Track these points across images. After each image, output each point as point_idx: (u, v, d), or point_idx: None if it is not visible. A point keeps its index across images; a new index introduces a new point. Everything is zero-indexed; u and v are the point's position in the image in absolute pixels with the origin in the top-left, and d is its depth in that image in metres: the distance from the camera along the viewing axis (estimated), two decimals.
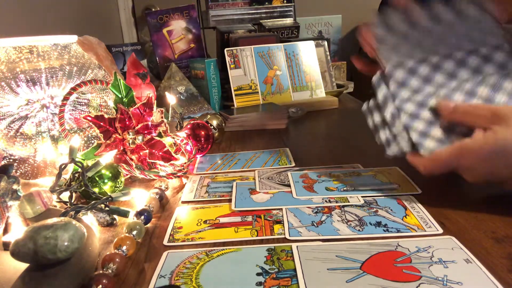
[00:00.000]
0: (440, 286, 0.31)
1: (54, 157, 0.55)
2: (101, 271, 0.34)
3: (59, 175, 0.47)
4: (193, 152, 0.64)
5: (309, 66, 1.09)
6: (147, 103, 0.59)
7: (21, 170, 0.54)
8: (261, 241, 0.40)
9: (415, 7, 0.47)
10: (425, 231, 0.39)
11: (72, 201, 0.48)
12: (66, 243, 0.32)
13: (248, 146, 0.74)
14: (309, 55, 1.10)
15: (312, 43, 1.12)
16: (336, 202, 0.47)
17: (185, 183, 0.57)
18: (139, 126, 0.58)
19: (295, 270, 0.34)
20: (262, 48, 1.06)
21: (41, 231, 0.32)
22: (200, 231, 0.42)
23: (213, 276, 0.34)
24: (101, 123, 0.55)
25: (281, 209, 0.46)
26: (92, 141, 0.59)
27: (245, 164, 0.63)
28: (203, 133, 0.69)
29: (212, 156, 0.69)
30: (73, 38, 0.60)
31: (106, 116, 0.55)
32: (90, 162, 0.51)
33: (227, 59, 1.03)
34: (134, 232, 0.40)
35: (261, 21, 1.38)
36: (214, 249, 0.38)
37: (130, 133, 0.57)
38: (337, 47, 1.97)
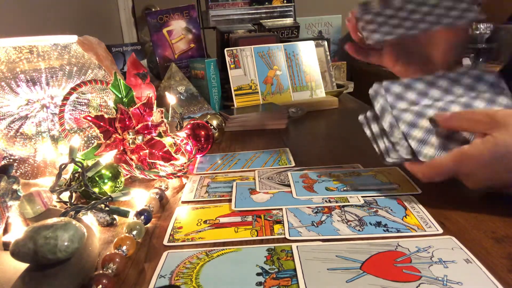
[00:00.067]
0: (440, 286, 0.31)
1: (54, 157, 0.55)
2: (101, 271, 0.34)
3: (59, 175, 0.47)
4: (193, 152, 0.64)
5: (309, 66, 1.09)
6: (147, 103, 0.59)
7: (21, 170, 0.54)
8: (261, 241, 0.40)
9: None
10: (425, 231, 0.39)
11: (72, 201, 0.48)
12: (66, 243, 0.32)
13: (248, 146, 0.74)
14: (309, 55, 1.10)
15: (312, 43, 1.12)
16: (336, 202, 0.47)
17: (185, 183, 0.57)
18: (139, 126, 0.58)
19: (295, 270, 0.34)
20: (262, 48, 1.06)
21: (41, 231, 0.32)
22: (200, 231, 0.42)
23: (213, 276, 0.34)
24: (101, 123, 0.55)
25: (281, 209, 0.46)
26: (92, 141, 0.59)
27: (245, 164, 0.63)
28: (203, 133, 0.69)
29: (212, 156, 0.69)
30: (73, 38, 0.60)
31: (106, 116, 0.55)
32: (90, 162, 0.51)
33: (227, 59, 1.03)
34: (134, 232, 0.40)
35: (261, 21, 1.38)
36: (214, 249, 0.38)
37: (130, 133, 0.58)
38: (337, 47, 1.97)
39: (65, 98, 0.55)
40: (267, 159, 0.65)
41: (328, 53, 1.21)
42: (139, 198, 0.51)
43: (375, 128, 0.49)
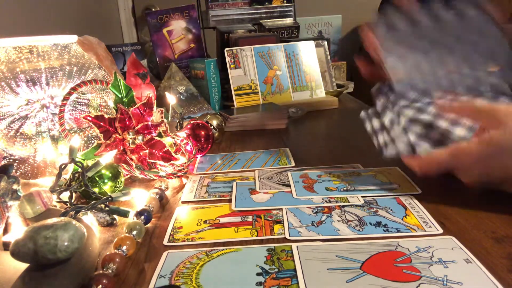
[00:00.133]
0: (440, 286, 0.31)
1: (54, 157, 0.55)
2: (101, 271, 0.34)
3: (59, 175, 0.47)
4: (193, 152, 0.64)
5: (309, 66, 1.09)
6: (147, 103, 0.59)
7: (21, 170, 0.54)
8: (261, 241, 0.40)
9: (416, 7, 0.48)
10: (425, 231, 0.39)
11: (72, 201, 0.48)
12: (66, 243, 0.32)
13: (248, 146, 0.74)
14: (309, 55, 1.10)
15: (312, 43, 1.12)
16: (336, 202, 0.47)
17: (185, 183, 0.57)
18: (139, 126, 0.58)
19: (295, 270, 0.34)
20: (262, 48, 1.06)
21: (41, 231, 0.32)
22: (200, 231, 0.42)
23: (213, 276, 0.34)
24: (101, 123, 0.55)
25: (281, 209, 0.46)
26: (92, 141, 0.59)
27: (245, 164, 0.63)
28: (203, 133, 0.69)
29: (212, 156, 0.69)
30: (73, 38, 0.60)
31: (106, 116, 0.55)
32: (90, 162, 0.51)
33: (227, 59, 1.03)
34: (134, 232, 0.40)
35: (261, 21, 1.38)
36: (214, 249, 0.38)
37: (130, 133, 0.57)
38: (337, 47, 1.97)
39: (65, 98, 0.55)
40: (267, 159, 0.65)
41: (328, 53, 1.21)
42: (139, 198, 0.51)
43: (375, 123, 0.50)
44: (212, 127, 0.72)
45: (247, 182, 0.55)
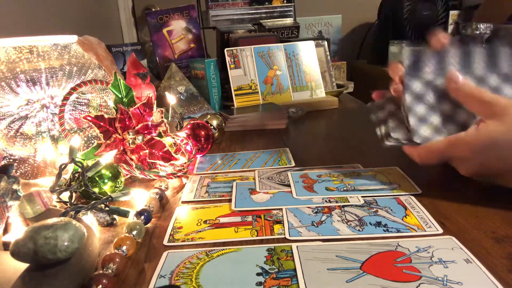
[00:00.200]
0: (440, 286, 0.31)
1: (54, 157, 0.55)
2: (101, 271, 0.34)
3: (59, 175, 0.47)
4: (193, 152, 0.64)
5: (309, 66, 1.09)
6: (147, 103, 0.59)
7: (21, 170, 0.54)
8: (261, 241, 0.40)
9: (452, 51, 0.46)
10: (425, 231, 0.39)
11: (72, 201, 0.48)
12: (66, 243, 0.32)
13: (248, 146, 0.74)
14: (309, 55, 1.10)
15: (312, 43, 1.12)
16: (336, 202, 0.47)
17: (185, 183, 0.57)
18: (139, 126, 0.58)
19: (295, 270, 0.34)
20: (262, 48, 1.06)
21: (41, 231, 0.32)
22: (200, 231, 0.42)
23: (213, 276, 0.34)
24: (101, 123, 0.55)
25: (281, 209, 0.46)
26: (92, 141, 0.59)
27: (245, 164, 0.63)
28: (203, 133, 0.69)
29: (212, 156, 0.69)
30: (73, 38, 0.60)
31: (106, 116, 0.55)
32: (90, 162, 0.51)
33: (227, 59, 1.03)
34: (134, 232, 0.40)
35: (261, 21, 1.38)
36: (214, 249, 0.38)
37: (130, 133, 0.58)
38: (337, 47, 1.97)
39: (65, 98, 0.55)
40: (267, 159, 0.65)
41: (328, 53, 1.21)
42: (139, 198, 0.51)
43: (380, 114, 0.51)
44: (212, 127, 0.72)
45: (247, 182, 0.55)
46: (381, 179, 0.52)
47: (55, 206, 0.48)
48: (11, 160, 0.53)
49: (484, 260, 0.34)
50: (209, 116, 0.77)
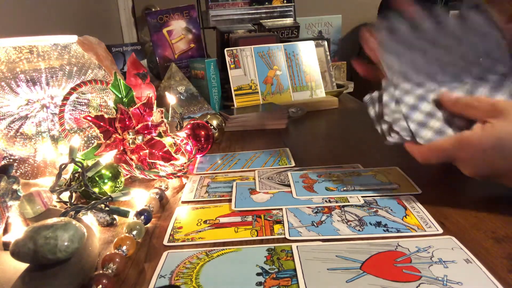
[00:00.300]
0: (440, 286, 0.31)
1: (54, 157, 0.55)
2: (101, 271, 0.34)
3: (59, 175, 0.47)
4: (193, 152, 0.64)
5: (309, 66, 1.09)
6: (147, 103, 0.59)
7: (21, 170, 0.54)
8: (261, 241, 0.40)
9: (417, 10, 0.47)
10: (425, 231, 0.39)
11: (72, 201, 0.48)
12: (66, 243, 0.32)
13: (248, 146, 0.74)
14: (309, 55, 1.10)
15: (312, 43, 1.12)
16: (336, 202, 0.47)
17: (185, 183, 0.57)
18: (139, 126, 0.58)
19: (295, 270, 0.34)
20: (262, 48, 1.06)
21: (41, 231, 0.32)
22: (200, 231, 0.42)
23: (213, 276, 0.34)
24: (101, 123, 0.55)
25: (281, 209, 0.46)
26: (92, 141, 0.59)
27: (245, 164, 0.63)
28: (203, 133, 0.69)
29: (212, 156, 0.69)
30: (73, 38, 0.60)
31: (106, 116, 0.55)
32: (90, 162, 0.51)
33: (227, 59, 1.03)
34: (134, 232, 0.40)
35: (261, 21, 1.38)
36: (214, 249, 0.38)
37: (130, 133, 0.58)
38: (337, 47, 1.97)
39: (65, 98, 0.55)
40: (267, 159, 0.65)
41: (328, 53, 1.21)
42: (139, 198, 0.51)
43: (379, 108, 0.49)
44: (212, 127, 0.72)
45: (247, 182, 0.55)
46: (381, 179, 0.52)
47: (55, 206, 0.48)
48: (11, 160, 0.53)
49: (484, 260, 0.34)
50: (209, 116, 0.77)
